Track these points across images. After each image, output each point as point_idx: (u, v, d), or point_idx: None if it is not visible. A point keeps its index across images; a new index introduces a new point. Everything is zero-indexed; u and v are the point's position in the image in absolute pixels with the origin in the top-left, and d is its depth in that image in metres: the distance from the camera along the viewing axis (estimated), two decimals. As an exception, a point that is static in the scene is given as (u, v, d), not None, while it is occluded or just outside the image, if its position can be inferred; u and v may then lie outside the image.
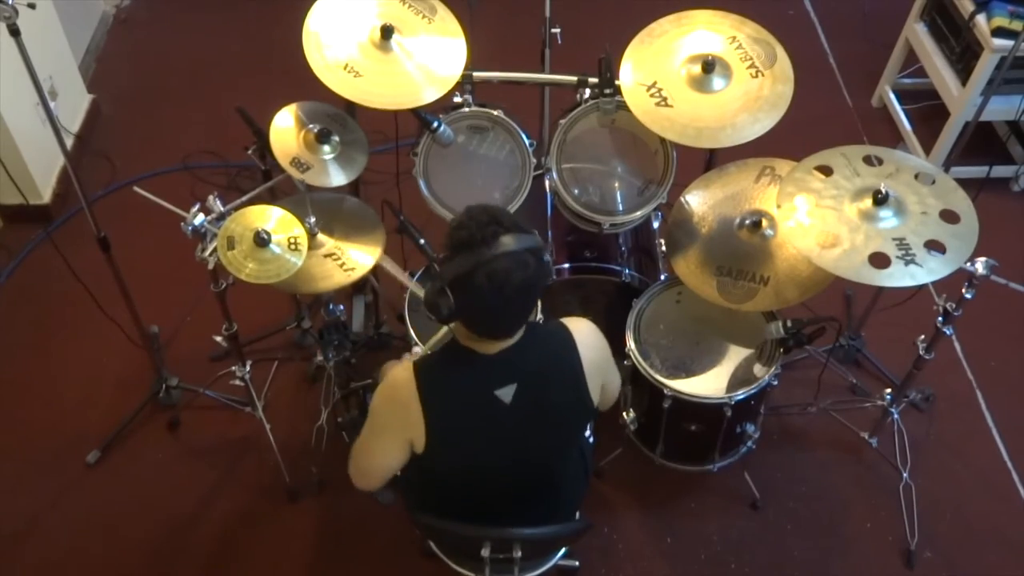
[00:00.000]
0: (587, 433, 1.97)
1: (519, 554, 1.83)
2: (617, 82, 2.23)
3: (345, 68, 2.15)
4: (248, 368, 2.42)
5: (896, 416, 2.58)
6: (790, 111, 2.17)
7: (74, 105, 3.57)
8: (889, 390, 2.58)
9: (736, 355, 2.34)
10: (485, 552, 1.81)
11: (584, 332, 1.79)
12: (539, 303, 2.33)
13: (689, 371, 2.31)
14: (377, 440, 1.79)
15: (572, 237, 2.55)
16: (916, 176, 2.04)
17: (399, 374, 1.72)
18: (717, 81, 2.20)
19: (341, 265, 2.19)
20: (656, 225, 2.66)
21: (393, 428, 1.75)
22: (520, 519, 1.81)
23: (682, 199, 2.35)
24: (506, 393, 1.69)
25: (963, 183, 2.04)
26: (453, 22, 2.29)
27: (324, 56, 2.15)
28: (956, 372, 2.93)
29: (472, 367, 1.70)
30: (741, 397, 2.23)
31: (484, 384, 1.69)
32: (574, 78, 2.35)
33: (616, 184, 2.37)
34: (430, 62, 2.22)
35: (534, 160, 2.30)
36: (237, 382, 2.44)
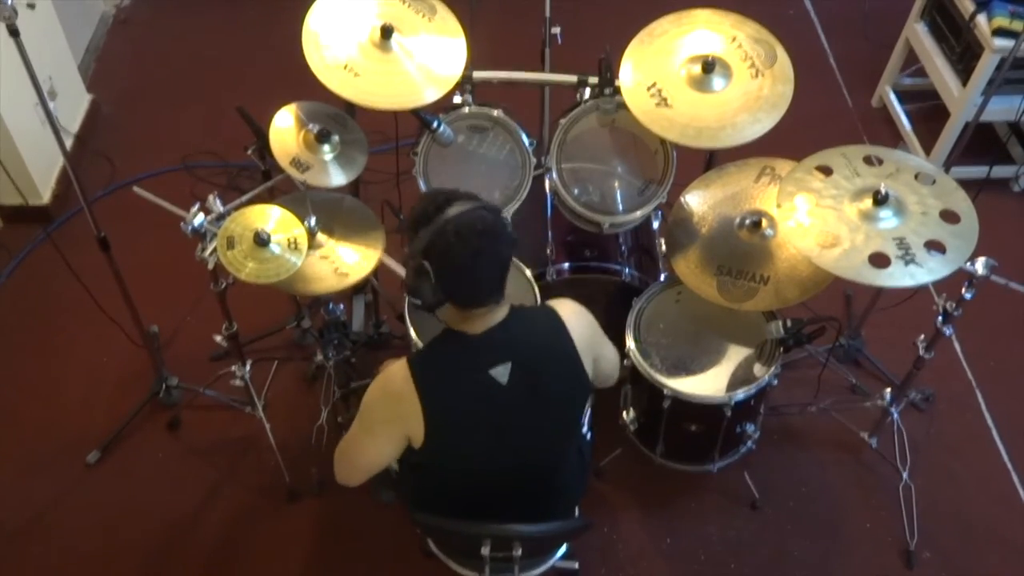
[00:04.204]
0: (584, 429, 1.97)
1: (519, 552, 1.83)
2: (617, 82, 2.23)
3: (345, 68, 2.15)
4: (248, 368, 2.42)
5: (896, 416, 2.58)
6: (790, 111, 2.17)
7: (74, 105, 3.57)
8: (889, 390, 2.58)
9: (736, 355, 2.34)
10: (485, 550, 1.81)
11: (570, 311, 1.81)
12: (538, 298, 2.33)
13: (689, 371, 2.31)
14: (370, 436, 1.80)
15: (572, 237, 2.54)
16: (916, 176, 2.04)
17: (392, 368, 1.74)
18: (717, 81, 2.20)
19: (335, 270, 2.19)
20: (656, 225, 2.66)
21: (389, 422, 1.76)
22: (519, 515, 1.81)
23: (682, 199, 2.35)
24: (501, 373, 1.70)
25: (963, 183, 2.03)
26: (453, 22, 2.29)
27: (324, 56, 2.15)
28: (956, 372, 2.93)
29: (463, 348, 1.72)
30: (741, 397, 2.23)
31: (477, 363, 1.71)
32: (574, 78, 2.35)
33: (616, 184, 2.37)
34: (430, 62, 2.22)
35: (534, 160, 2.30)
36: (237, 382, 2.44)
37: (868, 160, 2.08)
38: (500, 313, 1.72)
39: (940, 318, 2.19)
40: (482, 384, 1.70)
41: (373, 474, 1.85)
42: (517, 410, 1.73)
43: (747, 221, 2.25)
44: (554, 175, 2.31)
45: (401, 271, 2.21)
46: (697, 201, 2.34)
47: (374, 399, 1.78)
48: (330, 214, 2.28)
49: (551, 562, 2.07)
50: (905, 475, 2.58)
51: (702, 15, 2.28)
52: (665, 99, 2.19)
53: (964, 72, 3.18)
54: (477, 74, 2.30)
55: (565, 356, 1.76)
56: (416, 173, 2.31)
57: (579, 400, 1.86)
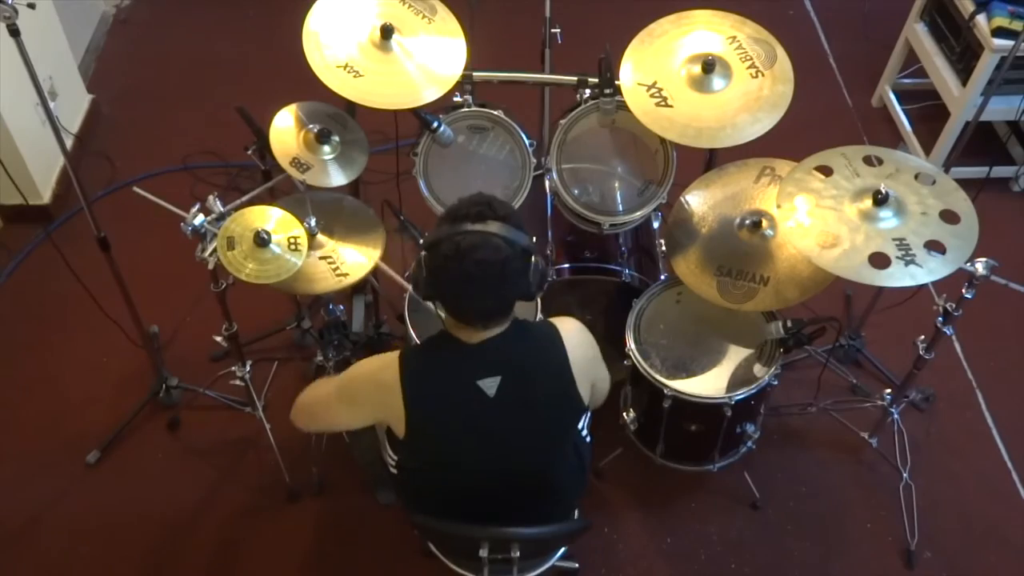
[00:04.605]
0: (583, 431, 1.97)
1: (517, 554, 1.83)
2: (617, 82, 2.23)
3: (345, 68, 2.15)
4: (248, 368, 2.42)
5: (896, 416, 2.58)
6: (790, 111, 2.17)
7: (74, 105, 3.56)
8: (889, 390, 2.58)
9: (736, 355, 2.34)
10: (483, 552, 1.81)
11: (571, 330, 1.80)
12: (539, 304, 2.33)
13: (689, 371, 2.31)
14: (346, 407, 1.83)
15: (572, 237, 2.54)
16: (916, 176, 2.04)
17: (388, 357, 1.74)
18: (717, 81, 2.20)
19: (335, 270, 2.19)
20: (656, 225, 2.66)
21: (369, 404, 1.78)
22: (517, 518, 1.81)
23: (682, 199, 2.35)
24: (489, 385, 1.69)
25: (963, 183, 2.03)
26: (453, 22, 2.29)
27: (324, 56, 2.15)
28: (956, 372, 2.93)
29: (454, 354, 1.72)
30: (741, 397, 2.23)
31: (465, 372, 1.70)
32: (574, 78, 2.35)
33: (616, 184, 2.37)
34: (430, 62, 2.22)
35: (534, 160, 2.30)
36: (237, 382, 2.44)
37: (868, 160, 2.08)
38: (498, 328, 1.71)
39: (940, 318, 2.19)
40: (467, 392, 1.70)
41: (331, 432, 1.84)
42: (504, 419, 1.73)
43: (747, 221, 2.25)
44: (554, 175, 2.31)
45: (398, 278, 2.22)
46: (697, 201, 2.34)
47: (363, 378, 1.79)
48: (330, 214, 2.28)
49: (551, 562, 2.07)
50: (905, 475, 2.58)
51: (702, 16, 2.29)
52: (665, 99, 2.19)
53: (964, 72, 3.18)
54: (477, 74, 2.30)
55: (557, 371, 1.74)
56: (416, 173, 2.31)
57: (569, 416, 1.84)
